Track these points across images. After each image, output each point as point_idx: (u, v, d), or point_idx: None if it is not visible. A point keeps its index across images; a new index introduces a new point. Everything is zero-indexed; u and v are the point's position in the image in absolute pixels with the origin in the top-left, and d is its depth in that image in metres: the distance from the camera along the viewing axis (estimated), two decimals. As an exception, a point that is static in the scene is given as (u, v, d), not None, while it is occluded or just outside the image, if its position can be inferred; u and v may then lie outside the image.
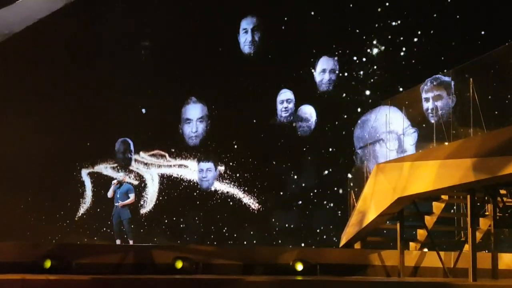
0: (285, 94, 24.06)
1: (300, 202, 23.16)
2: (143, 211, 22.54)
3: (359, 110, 23.56)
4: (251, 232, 22.60)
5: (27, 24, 19.96)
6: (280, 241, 22.23)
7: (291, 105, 24.02)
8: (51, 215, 21.44)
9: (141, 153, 23.12)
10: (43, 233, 20.70)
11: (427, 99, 19.13)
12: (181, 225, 22.68)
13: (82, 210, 22.27)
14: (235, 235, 22.59)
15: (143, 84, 22.57)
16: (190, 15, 22.88)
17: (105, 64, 21.87)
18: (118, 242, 16.97)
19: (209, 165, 23.49)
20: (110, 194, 17.34)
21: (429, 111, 18.86)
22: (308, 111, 23.93)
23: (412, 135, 19.29)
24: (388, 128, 18.45)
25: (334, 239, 20.80)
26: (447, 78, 17.14)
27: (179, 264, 14.36)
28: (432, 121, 17.05)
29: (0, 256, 13.72)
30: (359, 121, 23.41)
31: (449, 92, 16.61)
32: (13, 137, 20.32)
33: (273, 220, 22.77)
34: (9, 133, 20.32)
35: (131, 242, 16.95)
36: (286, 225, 22.83)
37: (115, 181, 17.43)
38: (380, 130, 20.53)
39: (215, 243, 21.88)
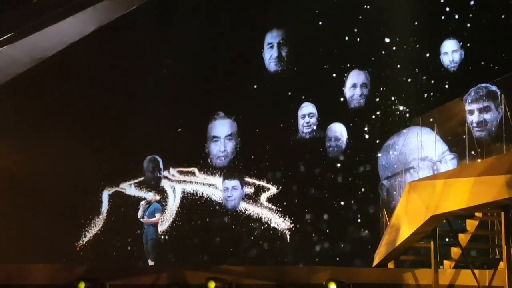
0: (307, 108, 22.72)
1: (332, 220, 22.60)
2: (162, 228, 21.99)
3: (391, 128, 22.16)
4: (282, 253, 22.26)
5: (59, 49, 20.26)
6: (312, 261, 22.00)
7: (313, 120, 22.65)
8: (72, 235, 21.56)
9: (170, 169, 22.48)
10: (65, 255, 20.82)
11: (471, 112, 17.50)
12: (202, 246, 22.15)
13: (98, 228, 22.02)
14: (261, 255, 22.09)
15: (169, 100, 22.00)
16: (215, 28, 22.39)
17: (133, 83, 21.92)
18: (151, 262, 17.00)
19: (235, 183, 22.38)
20: (139, 214, 17.45)
21: (474, 124, 17.26)
22: (339, 129, 22.71)
23: (450, 161, 17.68)
24: (420, 153, 17.19)
25: (366, 258, 20.64)
26: (494, 87, 16.26)
27: (211, 285, 14.36)
28: (477, 135, 15.80)
29: (35, 279, 13.91)
30: (384, 146, 21.97)
31: (497, 103, 15.62)
32: (41, 158, 20.59)
33: (304, 239, 22.52)
34: (38, 154, 20.60)
35: (151, 263, 16.91)
36: (317, 245, 22.56)
37: (143, 202, 17.55)
38: (410, 157, 19.22)
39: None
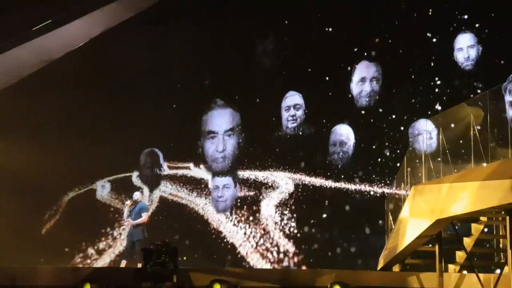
0: (292, 98, 20.11)
1: (337, 222, 22.04)
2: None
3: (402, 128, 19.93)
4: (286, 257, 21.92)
5: (66, 51, 20.39)
6: (316, 265, 21.79)
7: (299, 112, 19.98)
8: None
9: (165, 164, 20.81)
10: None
11: None
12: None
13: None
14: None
15: (162, 95, 21.11)
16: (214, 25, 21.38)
17: (136, 84, 21.67)
18: (123, 262, 16.60)
19: (227, 180, 19.94)
20: (125, 215, 17.09)
21: None
22: (345, 132, 20.58)
23: None
24: None
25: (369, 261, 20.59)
26: None
27: (216, 287, 14.39)
28: None
29: (41, 281, 13.94)
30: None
31: None
32: (48, 157, 20.71)
33: (309, 243, 22.32)
34: (45, 153, 20.73)
35: (139, 265, 16.69)
36: (322, 248, 22.37)
37: (128, 202, 17.14)
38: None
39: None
